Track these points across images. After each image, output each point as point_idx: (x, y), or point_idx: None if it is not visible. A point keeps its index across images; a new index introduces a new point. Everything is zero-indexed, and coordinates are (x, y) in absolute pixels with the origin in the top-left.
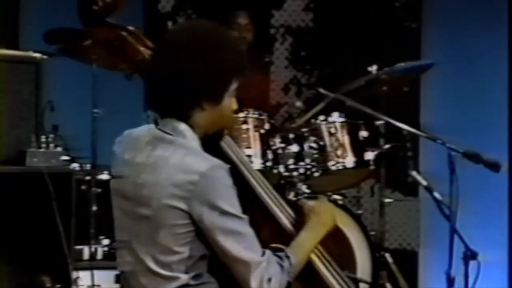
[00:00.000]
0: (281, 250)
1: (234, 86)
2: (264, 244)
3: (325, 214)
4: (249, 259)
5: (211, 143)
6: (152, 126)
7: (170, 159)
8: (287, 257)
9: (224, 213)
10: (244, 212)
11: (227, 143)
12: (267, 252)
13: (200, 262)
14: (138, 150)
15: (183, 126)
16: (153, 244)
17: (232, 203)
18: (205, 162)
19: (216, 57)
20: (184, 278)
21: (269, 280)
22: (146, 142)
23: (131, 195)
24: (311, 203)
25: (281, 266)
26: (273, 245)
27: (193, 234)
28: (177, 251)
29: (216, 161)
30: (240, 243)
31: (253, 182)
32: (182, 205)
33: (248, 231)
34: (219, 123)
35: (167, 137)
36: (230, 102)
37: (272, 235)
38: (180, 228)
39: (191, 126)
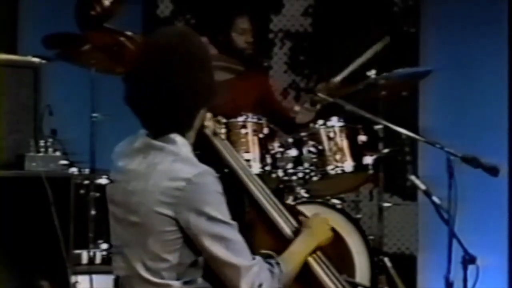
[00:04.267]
0: (271, 257)
1: None
2: (262, 248)
3: (317, 228)
4: (239, 264)
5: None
6: (144, 133)
7: (158, 166)
8: (278, 264)
9: (211, 219)
10: (241, 216)
11: (225, 148)
12: (258, 258)
13: (192, 268)
14: (131, 158)
15: (172, 134)
16: (143, 251)
17: (219, 209)
18: (192, 169)
19: (207, 61)
20: (176, 285)
21: (260, 286)
22: (138, 150)
23: (122, 202)
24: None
25: (272, 272)
26: (263, 251)
27: (182, 241)
28: (166, 258)
29: (203, 167)
30: (229, 248)
31: (251, 186)
32: (169, 212)
33: (237, 237)
34: (203, 118)
35: (157, 144)
36: None
37: (270, 240)
38: (168, 235)
39: (184, 134)
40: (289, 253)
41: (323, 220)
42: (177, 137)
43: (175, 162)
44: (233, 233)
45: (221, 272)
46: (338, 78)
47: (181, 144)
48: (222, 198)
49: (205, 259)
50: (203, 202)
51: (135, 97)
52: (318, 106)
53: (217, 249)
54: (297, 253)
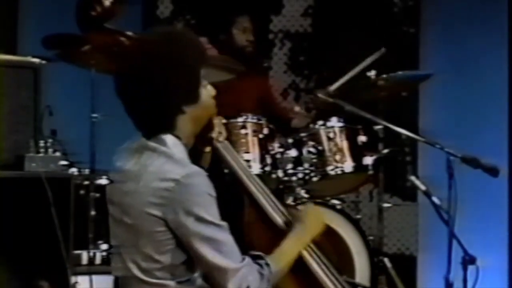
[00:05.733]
0: (261, 257)
1: (202, 75)
2: (262, 249)
3: (310, 221)
4: (226, 266)
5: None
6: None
7: (149, 167)
8: (267, 264)
9: (200, 219)
10: (241, 217)
11: (224, 148)
12: (247, 259)
13: (186, 268)
14: (128, 158)
15: (164, 135)
16: (136, 251)
17: (208, 210)
18: (182, 169)
19: (182, 60)
20: (171, 284)
21: None
22: (135, 150)
23: (118, 202)
24: (299, 209)
25: (261, 274)
26: (253, 252)
27: (173, 242)
28: (158, 259)
29: (193, 168)
30: (216, 249)
31: (251, 187)
32: (158, 213)
33: (226, 238)
34: (204, 116)
35: (150, 145)
36: (206, 92)
37: (269, 240)
38: (159, 236)
39: (176, 135)
40: (281, 251)
41: (316, 212)
42: (167, 138)
43: (166, 163)
44: (222, 234)
45: (209, 273)
46: (334, 87)
47: (172, 145)
48: (212, 199)
49: (194, 260)
50: (192, 203)
51: (121, 94)
52: (313, 112)
53: (205, 251)
54: (289, 250)
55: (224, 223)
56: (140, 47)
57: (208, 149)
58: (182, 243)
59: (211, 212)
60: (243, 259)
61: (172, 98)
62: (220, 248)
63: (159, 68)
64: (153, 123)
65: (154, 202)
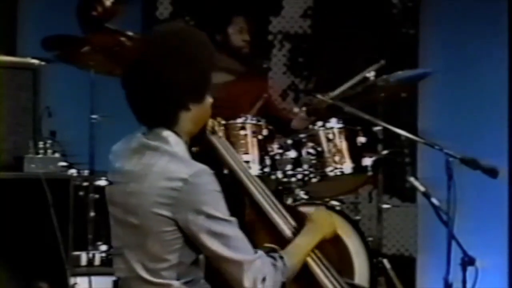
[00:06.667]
0: (275, 250)
1: (211, 80)
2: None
3: (320, 221)
4: (241, 259)
5: (205, 147)
6: (140, 134)
7: (154, 166)
8: (281, 257)
9: (210, 217)
10: (241, 217)
11: (225, 149)
12: (260, 252)
13: (193, 267)
14: (127, 158)
15: (166, 132)
16: (143, 252)
17: (217, 207)
18: (188, 168)
19: (196, 59)
20: (176, 285)
21: (264, 279)
22: (134, 150)
23: (121, 203)
24: (309, 210)
25: (275, 266)
26: (267, 244)
27: (182, 240)
28: (166, 259)
29: (199, 166)
30: (229, 245)
31: (251, 187)
32: (167, 213)
33: (237, 233)
34: (203, 119)
35: (152, 144)
36: (209, 97)
37: (270, 240)
38: (167, 235)
39: (176, 132)
40: (293, 246)
41: (327, 214)
42: (170, 136)
43: (170, 162)
44: (233, 230)
45: (223, 269)
46: (333, 94)
47: (175, 143)
48: (220, 196)
49: (207, 257)
50: (201, 202)
51: (128, 83)
52: (312, 117)
53: (218, 247)
54: (302, 246)
55: (233, 219)
56: (157, 39)
57: (194, 149)
58: (190, 242)
59: (220, 208)
60: (256, 252)
61: (181, 91)
62: (232, 243)
63: (173, 59)
64: (158, 114)
65: (162, 202)
